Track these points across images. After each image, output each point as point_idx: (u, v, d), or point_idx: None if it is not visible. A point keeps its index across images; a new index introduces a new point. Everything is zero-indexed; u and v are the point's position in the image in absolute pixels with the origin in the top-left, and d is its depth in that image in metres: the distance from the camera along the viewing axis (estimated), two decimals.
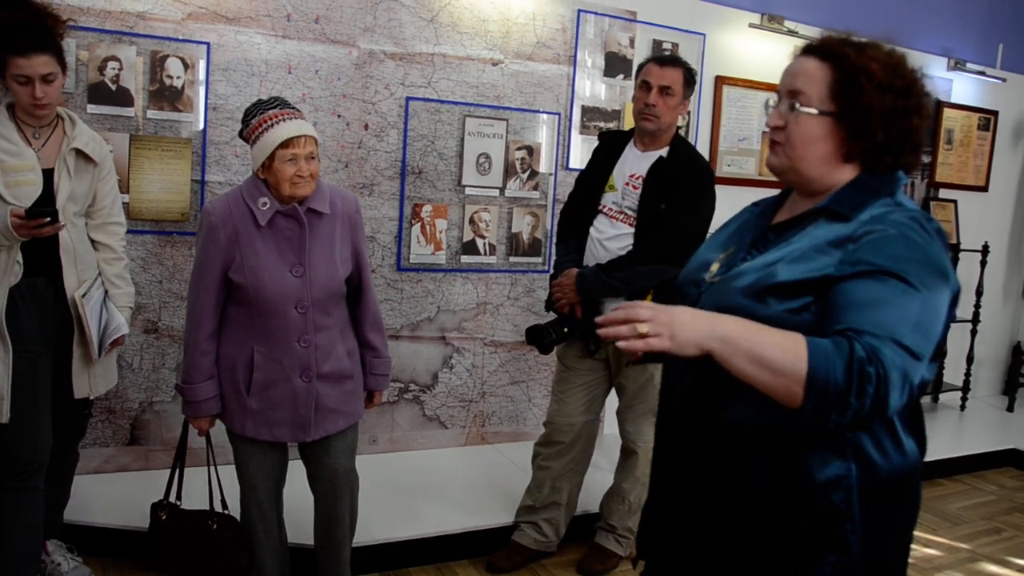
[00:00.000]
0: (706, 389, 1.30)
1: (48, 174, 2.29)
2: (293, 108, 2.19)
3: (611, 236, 2.74)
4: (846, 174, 1.32)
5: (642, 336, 1.14)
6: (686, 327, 1.15)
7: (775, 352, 1.11)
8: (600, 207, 2.79)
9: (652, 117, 2.68)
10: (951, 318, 1.21)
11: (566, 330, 2.77)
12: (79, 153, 2.35)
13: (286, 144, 2.11)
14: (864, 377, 1.07)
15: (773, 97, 1.42)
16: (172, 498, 2.45)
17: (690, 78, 2.72)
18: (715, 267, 1.39)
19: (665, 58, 2.80)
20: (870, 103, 1.27)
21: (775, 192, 1.48)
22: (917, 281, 1.15)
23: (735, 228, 1.48)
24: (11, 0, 2.25)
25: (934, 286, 1.16)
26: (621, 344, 1.15)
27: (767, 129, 1.38)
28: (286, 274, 2.17)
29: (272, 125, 2.12)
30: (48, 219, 2.16)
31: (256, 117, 2.16)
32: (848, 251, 1.19)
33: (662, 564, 1.47)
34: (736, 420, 1.27)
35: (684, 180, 2.66)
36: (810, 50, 1.35)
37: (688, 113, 4.10)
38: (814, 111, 1.29)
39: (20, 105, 2.26)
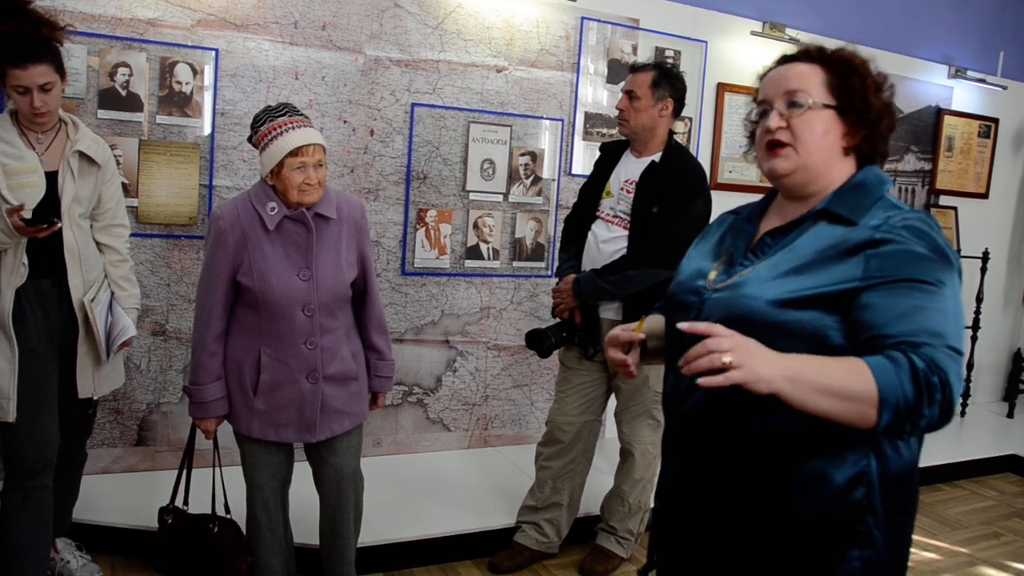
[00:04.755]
0: (720, 398, 1.29)
1: (52, 177, 2.33)
2: (302, 115, 2.22)
3: (606, 239, 2.79)
4: (844, 168, 1.37)
5: (724, 367, 1.09)
6: (764, 363, 1.10)
7: (844, 380, 1.12)
8: (598, 212, 2.85)
9: (623, 121, 2.80)
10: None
11: (565, 334, 2.82)
12: (82, 156, 2.38)
13: (295, 152, 2.13)
14: (931, 387, 1.11)
15: (752, 109, 1.44)
16: (179, 502, 2.46)
17: (661, 79, 2.74)
18: (713, 274, 1.40)
19: (638, 64, 2.85)
20: (866, 94, 1.34)
21: None
22: (947, 279, 1.21)
23: (721, 235, 1.50)
24: (6, 9, 2.27)
25: (952, 279, 1.23)
26: (701, 381, 1.10)
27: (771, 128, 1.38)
28: (293, 278, 2.20)
29: (281, 133, 2.15)
30: (45, 224, 2.18)
31: (265, 124, 2.18)
32: (869, 260, 1.23)
33: (676, 572, 1.47)
34: (754, 424, 1.28)
35: (675, 183, 2.71)
36: (791, 58, 1.40)
37: (689, 120, 4.14)
38: (819, 104, 1.34)
39: (21, 114, 2.30)
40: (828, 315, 1.23)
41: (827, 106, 1.33)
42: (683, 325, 1.17)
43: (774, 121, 1.35)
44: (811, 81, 1.34)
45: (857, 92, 1.34)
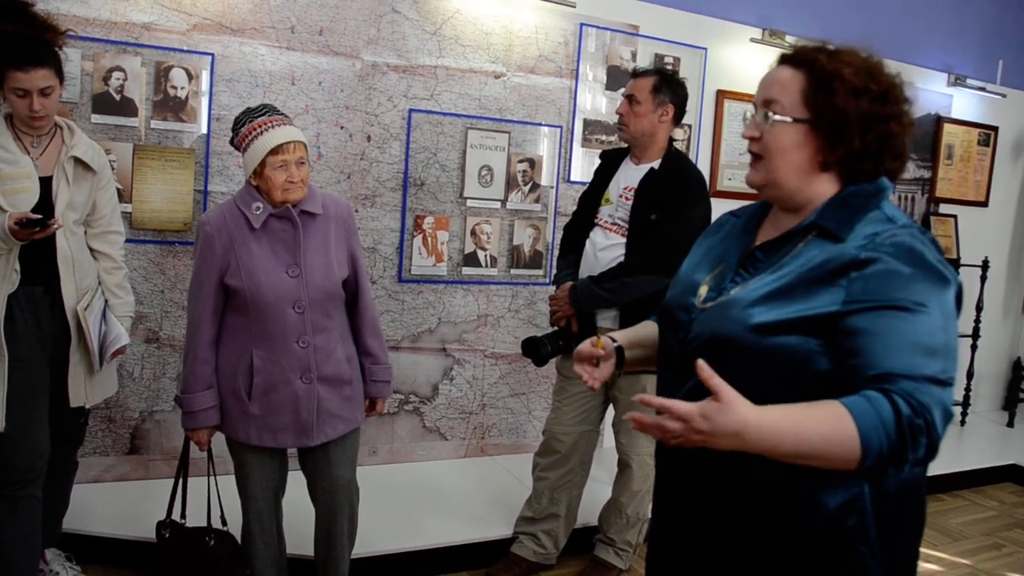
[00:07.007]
0: None
1: (46, 182, 2.31)
2: (282, 115, 2.22)
3: (604, 247, 2.77)
4: (825, 185, 1.29)
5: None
6: (719, 443, 1.09)
7: (822, 444, 1.07)
8: (596, 220, 2.82)
9: (622, 126, 2.78)
10: (958, 315, 1.20)
11: (562, 343, 2.78)
12: (78, 161, 2.36)
13: (276, 151, 2.14)
14: (915, 431, 1.07)
15: (750, 110, 1.40)
16: (175, 515, 2.42)
17: (662, 85, 2.72)
18: (704, 290, 1.35)
19: (640, 69, 2.84)
20: (844, 108, 1.24)
21: None
22: (935, 300, 1.14)
23: (716, 243, 1.45)
24: (10, 12, 2.26)
25: (942, 299, 1.16)
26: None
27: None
28: (282, 275, 2.19)
29: (262, 132, 2.15)
30: (37, 227, 2.16)
31: (246, 125, 2.19)
32: (854, 283, 1.17)
33: None
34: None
35: (674, 188, 2.69)
36: (785, 59, 1.33)
37: (688, 127, 4.12)
38: (788, 119, 1.27)
39: (18, 117, 2.28)
40: (812, 339, 1.18)
41: (799, 120, 1.26)
42: (703, 374, 1.10)
43: (748, 130, 1.32)
44: (787, 90, 1.27)
45: (825, 105, 1.25)
